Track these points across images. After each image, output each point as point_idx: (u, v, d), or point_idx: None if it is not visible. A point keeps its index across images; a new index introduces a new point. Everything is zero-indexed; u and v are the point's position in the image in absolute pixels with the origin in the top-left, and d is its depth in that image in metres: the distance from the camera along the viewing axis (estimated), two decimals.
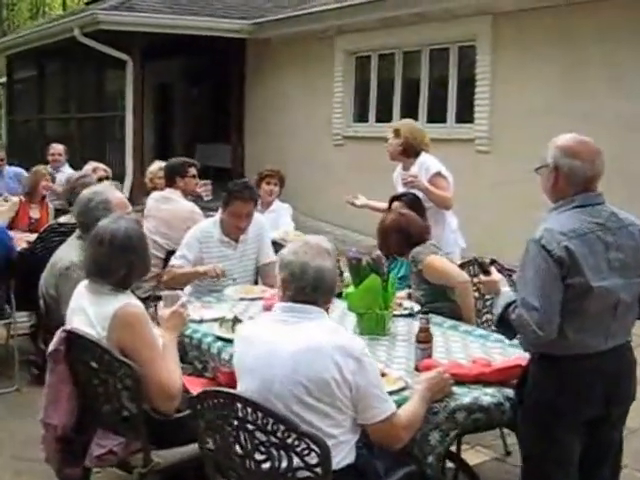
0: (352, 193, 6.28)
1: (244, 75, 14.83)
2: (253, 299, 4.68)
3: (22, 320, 6.32)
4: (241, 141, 14.91)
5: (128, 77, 13.49)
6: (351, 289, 4.13)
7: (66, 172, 8.86)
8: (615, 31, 8.64)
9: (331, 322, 2.90)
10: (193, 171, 6.54)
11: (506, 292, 3.20)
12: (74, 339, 3.28)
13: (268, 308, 4.25)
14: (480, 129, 10.20)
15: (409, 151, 5.88)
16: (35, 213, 7.38)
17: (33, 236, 6.36)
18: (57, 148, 9.65)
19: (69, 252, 4.17)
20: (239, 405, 2.73)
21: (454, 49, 10.77)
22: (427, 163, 5.82)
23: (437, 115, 11.02)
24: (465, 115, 10.58)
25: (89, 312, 3.29)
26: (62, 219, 5.88)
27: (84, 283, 3.45)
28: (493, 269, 3.39)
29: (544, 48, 9.38)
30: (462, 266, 4.80)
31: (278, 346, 2.76)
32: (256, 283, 5.33)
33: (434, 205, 5.61)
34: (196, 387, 3.55)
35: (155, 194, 6.58)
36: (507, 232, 8.57)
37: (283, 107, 13.59)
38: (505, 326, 3.12)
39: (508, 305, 3.07)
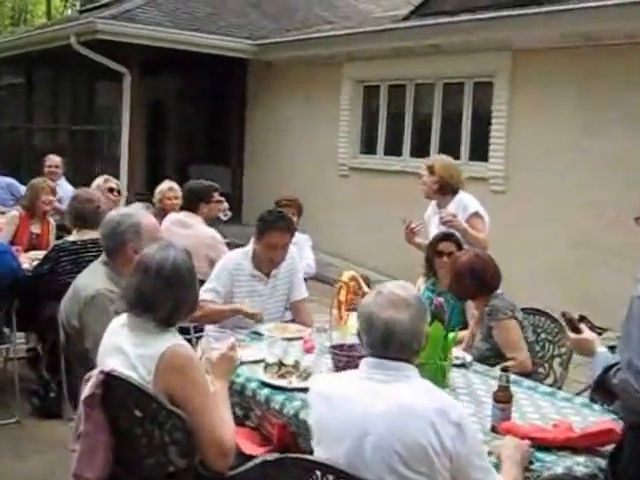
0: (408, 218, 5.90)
1: (245, 97, 14.60)
2: (290, 339, 4.39)
3: (19, 342, 6.04)
4: (241, 164, 14.64)
5: (125, 91, 13.12)
6: None
7: (63, 185, 8.76)
8: (637, 73, 8.52)
9: (426, 382, 2.61)
10: (217, 196, 6.36)
11: (602, 353, 2.96)
12: (113, 383, 2.95)
13: (309, 350, 4.19)
14: (495, 168, 10.00)
15: (445, 189, 5.76)
16: (36, 228, 7.06)
17: (39, 254, 6.14)
18: (54, 160, 9.42)
19: (94, 279, 3.84)
20: (318, 473, 2.44)
21: (469, 84, 10.58)
22: (465, 202, 5.71)
23: (449, 151, 10.46)
24: (479, 153, 10.36)
25: (129, 352, 2.99)
26: (72, 237, 5.67)
27: (121, 319, 3.15)
28: (584, 326, 3.14)
29: (564, 87, 9.22)
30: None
31: (367, 408, 2.49)
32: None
33: (469, 246, 5.41)
34: (243, 440, 3.26)
35: (172, 217, 6.31)
36: (522, 276, 8.38)
37: (285, 132, 13.35)
38: (603, 391, 2.87)
39: (608, 368, 2.82)
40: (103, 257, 3.98)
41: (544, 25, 9.24)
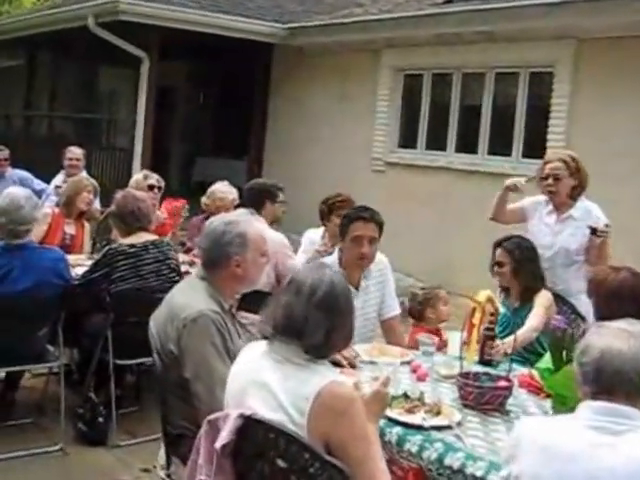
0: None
1: (268, 85, 14.32)
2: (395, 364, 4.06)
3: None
4: (259, 158, 14.34)
5: (142, 77, 12.81)
6: (547, 363, 3.73)
7: None
8: None
9: None
10: (282, 196, 6.18)
11: None
12: (253, 427, 2.63)
13: (421, 378, 3.96)
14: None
15: (576, 193, 5.42)
16: (70, 229, 6.76)
17: (80, 258, 5.99)
18: (75, 152, 9.19)
19: (194, 298, 3.51)
20: None
21: (525, 74, 10.29)
22: (595, 212, 5.38)
23: (500, 147, 10.55)
24: (534, 150, 10.00)
25: (275, 388, 2.69)
26: (128, 240, 5.45)
27: (259, 347, 2.87)
28: None
29: (635, 81, 8.93)
30: None
31: (600, 464, 2.21)
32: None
33: (586, 260, 5.20)
34: None
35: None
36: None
37: (314, 123, 13.07)
38: None
39: None
40: (200, 271, 3.68)
41: (613, 12, 8.93)
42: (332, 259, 4.78)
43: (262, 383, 2.74)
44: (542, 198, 5.55)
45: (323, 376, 2.68)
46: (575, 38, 9.48)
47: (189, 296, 3.54)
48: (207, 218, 7.08)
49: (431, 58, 11.24)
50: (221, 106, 16.39)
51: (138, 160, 12.97)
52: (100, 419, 5.28)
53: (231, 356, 3.31)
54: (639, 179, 8.86)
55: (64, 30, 13.93)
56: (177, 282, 5.34)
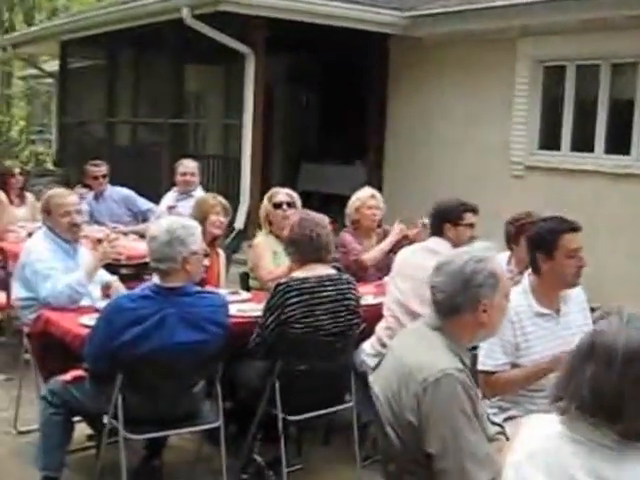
0: None
1: (386, 81, 14.71)
2: None
3: None
4: (379, 163, 14.76)
5: (248, 75, 13.31)
6: None
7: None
8: None
9: None
10: (470, 217, 6.10)
11: None
12: None
13: None
14: None
15: None
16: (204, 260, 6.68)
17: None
18: (189, 166, 9.45)
19: (431, 354, 3.35)
20: None
21: None
22: None
23: None
24: None
25: (578, 476, 2.47)
26: (300, 273, 5.37)
27: (547, 424, 2.65)
28: None
29: None
30: None
31: None
32: None
33: None
34: None
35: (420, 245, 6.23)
36: None
37: (439, 124, 13.46)
38: None
39: None
40: (432, 320, 3.52)
41: None
42: (522, 287, 4.79)
43: (562, 471, 2.51)
44: None
45: None
46: None
47: (424, 352, 3.38)
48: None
49: (575, 47, 11.54)
50: (329, 105, 16.94)
51: (247, 168, 13.44)
52: None
53: (481, 420, 3.31)
54: None
55: (155, 24, 14.37)
56: (356, 325, 5.56)
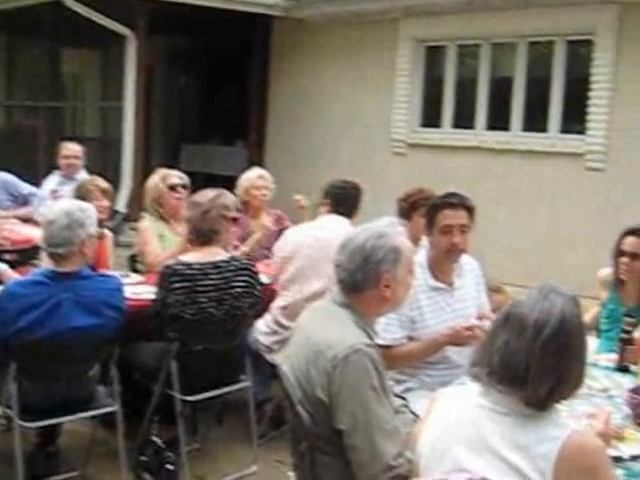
0: None
1: (268, 63, 14.65)
2: None
3: None
4: (260, 143, 14.72)
5: (129, 57, 13.10)
6: None
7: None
8: None
9: None
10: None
11: None
12: None
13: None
14: (594, 142, 10.27)
15: None
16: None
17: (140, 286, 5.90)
18: (73, 149, 9.16)
19: (340, 331, 3.33)
20: None
21: (561, 43, 10.79)
22: None
23: (535, 123, 11.06)
24: (573, 124, 10.63)
25: (500, 447, 2.54)
26: (187, 257, 5.33)
27: (469, 394, 2.72)
28: None
29: None
30: None
31: None
32: None
33: None
34: None
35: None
36: None
37: (323, 105, 13.47)
38: None
39: None
40: (339, 297, 3.48)
41: None
42: (419, 260, 4.69)
43: (481, 442, 2.58)
44: None
45: (560, 426, 2.56)
46: (618, 3, 9.97)
47: (332, 329, 3.34)
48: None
49: (456, 28, 11.66)
50: (211, 87, 16.81)
51: (129, 151, 13.27)
52: (169, 466, 5.20)
53: (388, 394, 3.29)
54: None
55: (29, 7, 14.01)
56: (247, 309, 5.44)
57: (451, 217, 4.69)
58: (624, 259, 5.20)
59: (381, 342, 4.45)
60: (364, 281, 3.38)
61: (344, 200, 6.32)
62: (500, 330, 2.62)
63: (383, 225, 3.54)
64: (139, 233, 6.88)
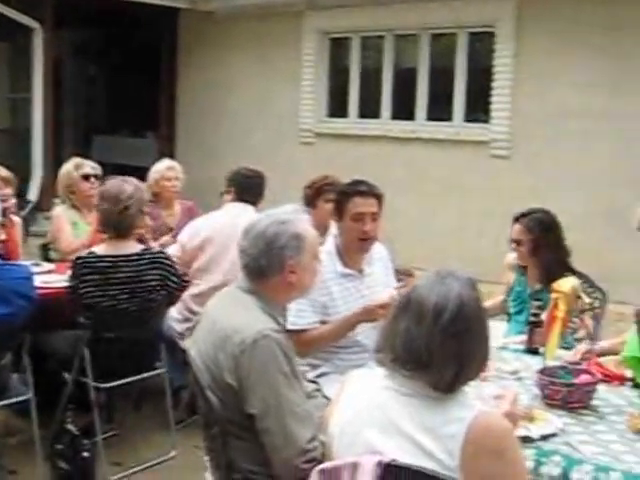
0: None
1: (176, 55, 14.64)
2: None
3: None
4: (170, 133, 14.72)
5: (36, 50, 13.01)
6: (633, 352, 3.85)
7: None
8: None
9: None
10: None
11: None
12: (396, 475, 2.49)
13: (485, 378, 3.94)
14: (498, 130, 10.50)
15: None
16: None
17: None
18: None
19: (246, 316, 3.33)
20: None
21: (463, 35, 11.00)
22: None
23: (440, 112, 11.26)
24: (478, 113, 10.88)
25: (409, 429, 2.57)
26: (99, 249, 5.32)
27: (375, 377, 2.74)
28: None
29: (586, 36, 9.72)
30: None
31: None
32: None
33: None
34: None
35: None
36: None
37: (232, 96, 13.50)
38: None
39: None
40: (244, 283, 3.48)
41: None
42: (327, 248, 4.77)
43: (390, 424, 2.60)
44: None
45: (465, 408, 2.57)
46: None
47: (239, 315, 3.35)
48: None
49: (360, 19, 11.80)
50: (121, 79, 16.70)
51: (39, 141, 13.19)
52: (85, 453, 5.13)
53: (299, 379, 3.30)
54: (588, 141, 9.76)
55: None
56: (160, 300, 5.50)
57: (362, 205, 4.72)
58: (512, 245, 5.33)
59: (296, 327, 4.57)
60: (268, 267, 3.38)
61: (249, 188, 6.42)
62: (401, 315, 2.64)
63: (286, 212, 3.54)
64: (52, 220, 6.90)
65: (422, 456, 2.48)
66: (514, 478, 2.54)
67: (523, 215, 5.27)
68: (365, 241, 4.78)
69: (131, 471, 5.39)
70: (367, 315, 4.49)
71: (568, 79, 9.89)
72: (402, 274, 5.36)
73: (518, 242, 5.24)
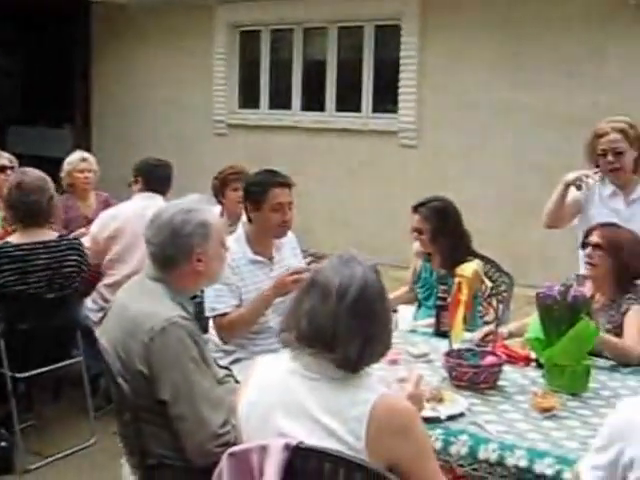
0: None
1: (89, 47, 14.54)
2: None
3: None
4: (86, 124, 14.68)
5: None
6: (535, 332, 4.01)
7: None
8: (565, 20, 9.42)
9: None
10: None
11: None
12: (303, 457, 2.51)
13: (395, 361, 4.15)
14: (406, 120, 10.75)
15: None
16: None
17: None
18: None
19: (155, 305, 3.37)
20: None
21: (369, 28, 11.20)
22: None
23: (348, 103, 11.47)
24: (386, 104, 11.10)
25: (315, 412, 2.59)
26: (15, 239, 5.33)
27: (281, 361, 2.76)
28: None
29: (483, 33, 10.03)
30: None
31: None
32: None
33: None
34: None
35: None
36: None
37: (147, 87, 13.51)
38: None
39: None
40: (152, 271, 3.52)
41: None
42: (234, 236, 4.90)
43: (298, 407, 2.62)
44: (596, 177, 5.24)
45: (369, 390, 2.61)
46: None
47: (147, 303, 3.39)
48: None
49: (269, 13, 11.94)
50: (34, 70, 16.61)
51: None
52: (2, 443, 5.18)
53: (209, 365, 3.37)
54: (491, 131, 10.09)
55: None
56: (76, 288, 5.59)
57: (280, 195, 4.82)
58: (414, 235, 5.46)
59: (215, 312, 4.74)
60: (176, 255, 3.41)
61: (156, 177, 6.53)
62: (306, 296, 2.68)
63: (192, 201, 3.58)
64: None
65: (329, 438, 2.52)
66: (419, 457, 2.59)
67: (421, 204, 5.38)
68: (284, 228, 4.92)
69: (51, 459, 5.43)
70: (281, 287, 4.61)
71: (471, 72, 10.16)
72: (316, 257, 5.54)
73: (419, 231, 5.37)
